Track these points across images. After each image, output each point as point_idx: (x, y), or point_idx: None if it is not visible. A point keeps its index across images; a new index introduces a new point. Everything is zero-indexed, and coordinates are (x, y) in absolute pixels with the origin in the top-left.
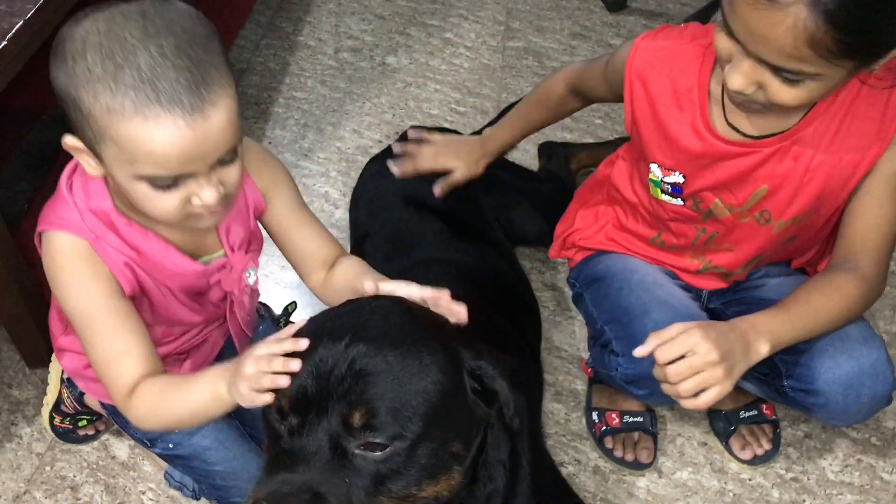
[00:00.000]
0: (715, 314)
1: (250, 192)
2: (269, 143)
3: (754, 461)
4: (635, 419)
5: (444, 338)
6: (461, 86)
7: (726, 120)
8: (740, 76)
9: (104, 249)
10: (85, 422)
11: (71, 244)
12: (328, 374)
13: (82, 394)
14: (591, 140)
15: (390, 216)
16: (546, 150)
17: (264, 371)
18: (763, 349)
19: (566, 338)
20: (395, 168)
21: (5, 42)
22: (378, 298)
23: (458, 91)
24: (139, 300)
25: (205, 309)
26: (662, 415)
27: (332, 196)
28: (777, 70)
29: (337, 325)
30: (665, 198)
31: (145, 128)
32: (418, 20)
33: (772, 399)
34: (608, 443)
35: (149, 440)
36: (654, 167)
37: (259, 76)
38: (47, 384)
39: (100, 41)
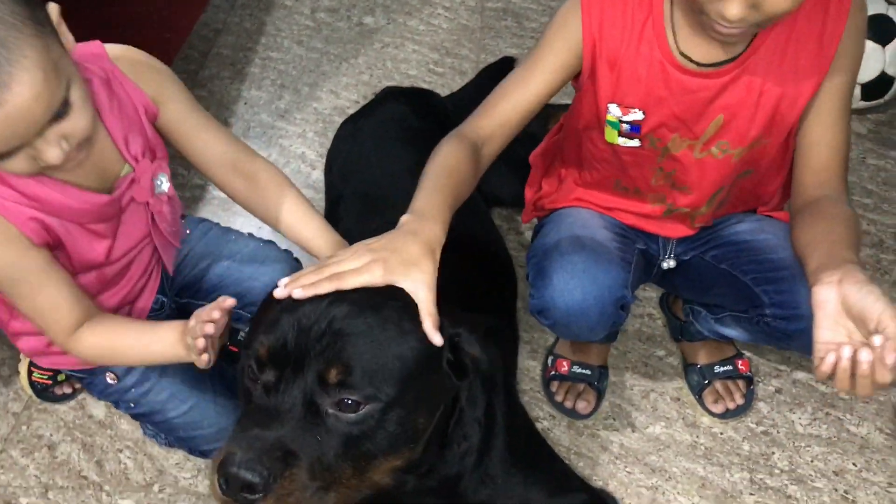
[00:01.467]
0: (692, 265)
1: (139, 99)
2: (245, 103)
3: (726, 415)
4: (583, 371)
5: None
6: (439, 46)
7: (680, 50)
8: (737, 3)
9: (4, 207)
10: (63, 376)
11: None
12: (308, 330)
13: None
14: (568, 102)
15: (364, 178)
16: None
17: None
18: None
19: None
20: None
21: None
22: None
23: (436, 52)
24: (55, 249)
25: (124, 239)
26: (636, 371)
27: (308, 157)
28: None
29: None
30: (621, 140)
31: None
32: None
33: (751, 337)
34: (553, 386)
35: (113, 402)
36: (612, 107)
37: (234, 36)
38: None
39: None
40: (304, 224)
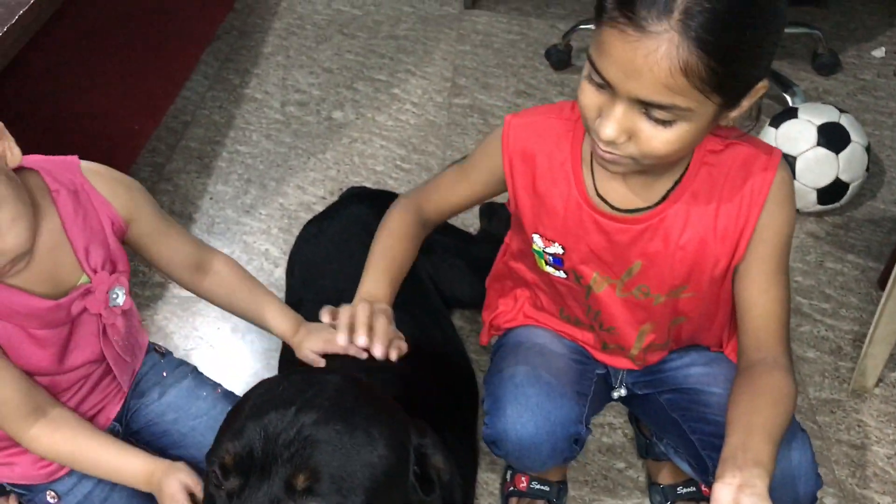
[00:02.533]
0: (648, 401)
1: (106, 213)
2: (211, 198)
3: None
4: (542, 487)
5: (393, 414)
6: (407, 142)
7: (597, 192)
8: (613, 123)
9: None
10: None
11: None
12: (275, 437)
13: None
14: None
15: (325, 284)
16: (486, 211)
17: None
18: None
19: None
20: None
21: None
22: (328, 371)
23: (403, 147)
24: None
25: (76, 352)
26: (596, 485)
27: (272, 254)
28: (649, 109)
29: (288, 392)
30: (549, 269)
31: None
32: (366, 75)
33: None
34: (512, 503)
35: None
36: (535, 238)
37: (203, 129)
38: None
39: None
40: (263, 308)
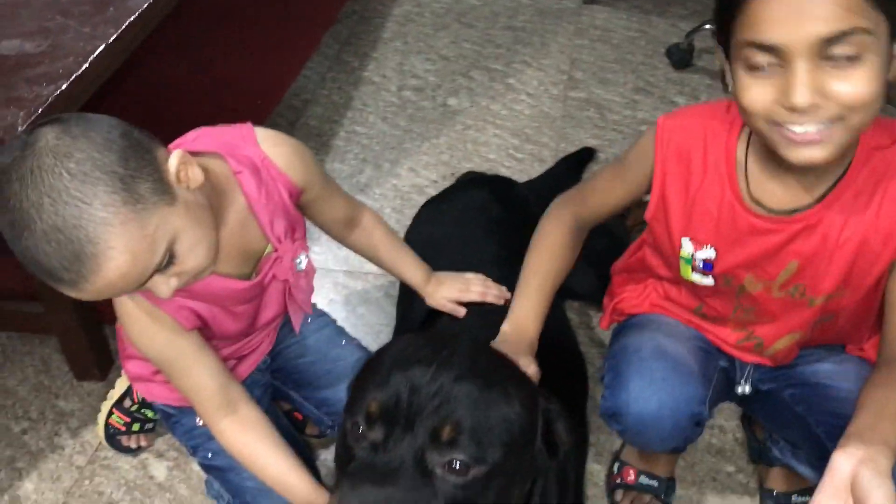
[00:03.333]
0: (770, 397)
1: (283, 184)
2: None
3: None
4: (650, 482)
5: (522, 377)
6: (520, 132)
7: (751, 195)
8: (801, 86)
9: (157, 299)
10: (138, 426)
11: (129, 305)
12: (419, 391)
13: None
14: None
15: (441, 265)
16: None
17: None
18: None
19: None
20: None
21: (87, 65)
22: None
23: (516, 137)
24: (202, 329)
25: (264, 313)
26: (704, 486)
27: None
28: (831, 49)
29: (425, 350)
30: (696, 277)
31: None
32: (482, 64)
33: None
34: (618, 496)
35: (192, 447)
36: (685, 241)
37: (322, 108)
38: (119, 376)
39: (5, 204)
40: (401, 260)
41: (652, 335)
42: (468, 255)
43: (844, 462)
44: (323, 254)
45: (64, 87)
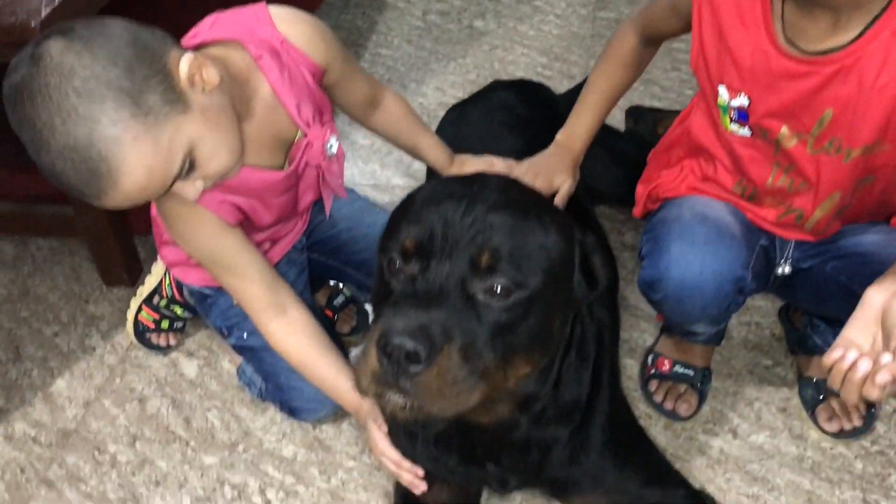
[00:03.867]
0: (810, 274)
1: (306, 66)
2: None
3: (840, 435)
4: (686, 371)
5: (558, 210)
6: (548, 51)
7: (786, 37)
8: None
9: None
10: (167, 323)
11: (170, 201)
12: (455, 222)
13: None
14: (679, 108)
15: None
16: (633, 113)
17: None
18: None
19: (642, 297)
20: None
21: None
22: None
23: (545, 56)
24: (244, 223)
25: (301, 201)
26: (741, 379)
27: None
28: None
29: (455, 187)
30: (733, 127)
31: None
32: None
33: None
34: (652, 386)
35: (226, 328)
36: (721, 89)
37: (346, 33)
38: (148, 273)
39: (20, 132)
40: (422, 142)
41: (691, 206)
42: (495, 153)
43: (877, 295)
44: (349, 168)
45: None
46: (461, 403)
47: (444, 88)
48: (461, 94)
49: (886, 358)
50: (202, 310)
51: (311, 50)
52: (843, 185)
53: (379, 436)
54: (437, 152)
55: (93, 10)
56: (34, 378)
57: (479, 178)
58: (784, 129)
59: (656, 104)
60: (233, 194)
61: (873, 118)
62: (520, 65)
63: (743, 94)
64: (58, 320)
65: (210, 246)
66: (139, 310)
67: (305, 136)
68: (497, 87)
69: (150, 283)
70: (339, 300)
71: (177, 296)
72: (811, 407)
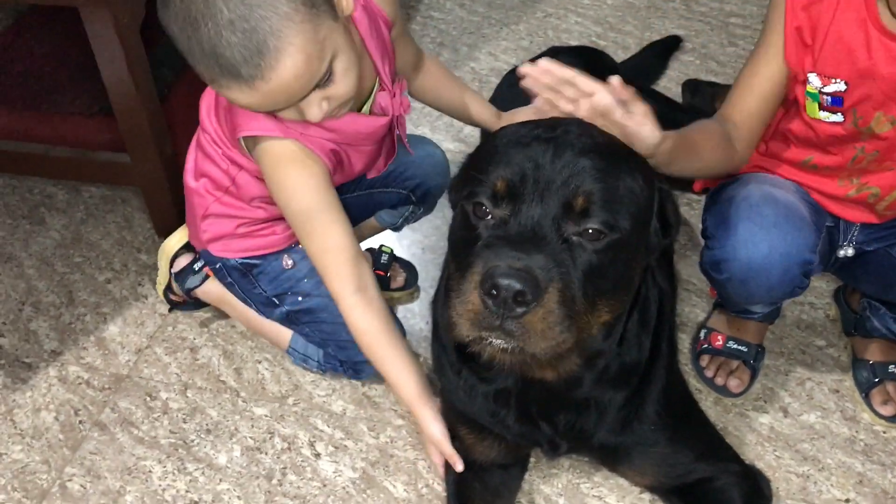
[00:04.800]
0: (874, 257)
1: (382, 19)
2: None
3: (894, 419)
4: (739, 347)
5: (639, 157)
6: (603, 20)
7: (891, 12)
8: None
9: (311, 140)
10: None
11: (284, 148)
12: (546, 165)
13: (190, 289)
14: None
15: None
16: (691, 86)
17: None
18: None
19: (696, 272)
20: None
21: None
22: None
23: (599, 25)
24: (333, 171)
25: (382, 147)
26: (793, 358)
27: None
28: None
29: (538, 132)
30: (823, 115)
31: (225, 92)
32: None
33: None
34: (703, 361)
35: (279, 295)
36: (812, 77)
37: None
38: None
39: (177, 10)
40: (467, 101)
41: (759, 185)
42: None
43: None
44: None
45: None
46: (561, 345)
47: (497, 54)
48: (514, 60)
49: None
50: (245, 285)
51: (384, 3)
52: None
53: (438, 427)
54: (483, 109)
55: None
56: (87, 323)
57: (560, 123)
58: (878, 115)
59: (713, 79)
60: (340, 143)
61: None
62: (573, 33)
63: (838, 79)
64: (110, 267)
65: (317, 198)
66: (167, 294)
67: (382, 87)
68: (558, 51)
69: (162, 275)
70: (384, 258)
71: (188, 299)
72: (865, 390)
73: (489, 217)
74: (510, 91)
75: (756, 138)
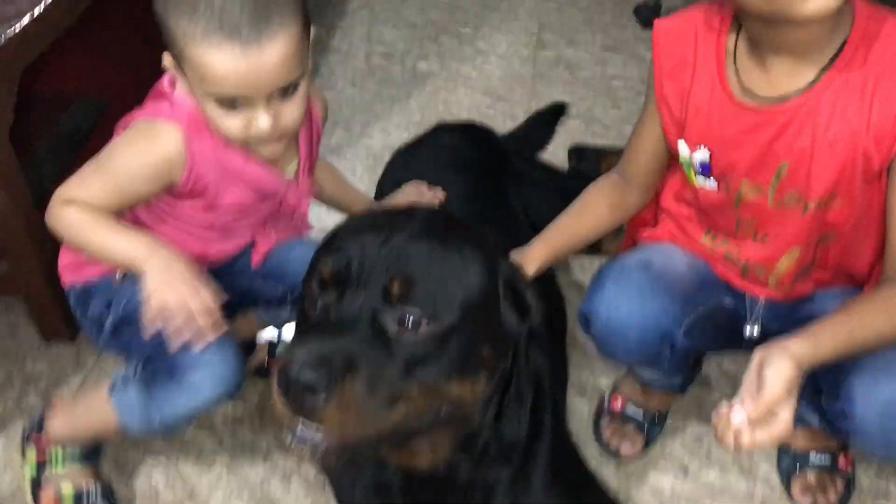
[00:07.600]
0: (780, 336)
1: (316, 115)
2: None
3: None
4: (636, 411)
5: (483, 242)
6: (492, 91)
7: (741, 85)
8: None
9: (202, 151)
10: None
11: (168, 133)
12: (371, 254)
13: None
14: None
15: None
16: (576, 153)
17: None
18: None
19: None
20: None
21: (28, 21)
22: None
23: (488, 96)
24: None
25: (264, 206)
26: (691, 413)
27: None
28: None
29: (379, 220)
30: (700, 180)
31: (209, 51)
32: (451, 29)
33: (824, 427)
34: (603, 423)
35: (106, 306)
36: (681, 144)
37: None
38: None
39: None
40: (347, 194)
41: (647, 253)
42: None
43: (758, 351)
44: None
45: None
46: (375, 428)
47: (390, 130)
48: (406, 135)
49: (737, 418)
50: (82, 310)
51: (318, 104)
52: (803, 241)
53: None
54: (360, 201)
55: None
56: None
57: (407, 210)
58: (745, 182)
59: (599, 141)
60: (218, 172)
61: (827, 171)
62: (463, 105)
63: (703, 146)
64: None
65: (123, 174)
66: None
67: (297, 175)
68: (441, 129)
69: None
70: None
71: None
72: (786, 478)
73: (318, 304)
74: (398, 172)
75: (652, 185)
